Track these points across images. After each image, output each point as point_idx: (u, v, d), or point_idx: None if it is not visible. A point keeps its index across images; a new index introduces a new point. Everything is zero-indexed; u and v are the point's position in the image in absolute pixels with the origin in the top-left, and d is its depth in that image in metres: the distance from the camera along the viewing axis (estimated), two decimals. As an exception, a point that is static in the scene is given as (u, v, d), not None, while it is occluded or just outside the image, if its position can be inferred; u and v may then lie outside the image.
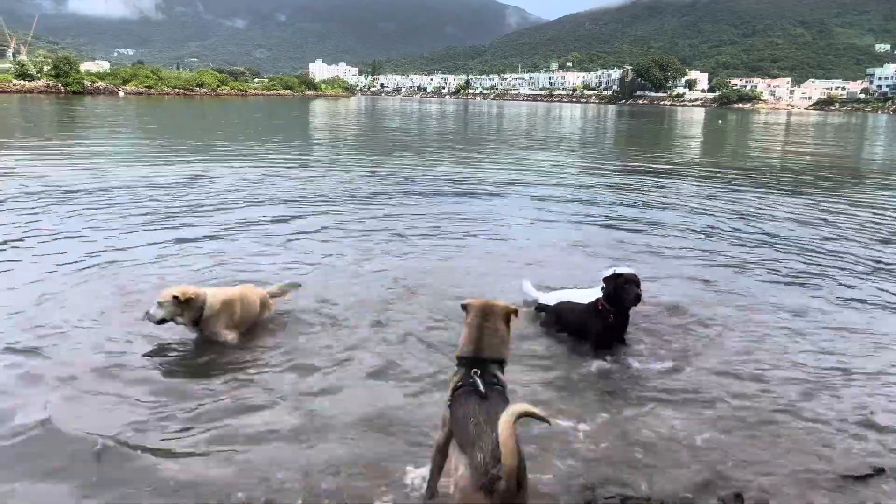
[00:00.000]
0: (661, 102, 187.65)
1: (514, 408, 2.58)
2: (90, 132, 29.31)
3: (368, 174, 15.93)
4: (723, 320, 5.96)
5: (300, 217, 10.20)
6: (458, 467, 2.74)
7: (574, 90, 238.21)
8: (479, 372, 3.06)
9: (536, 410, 2.62)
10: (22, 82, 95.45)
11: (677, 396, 4.52)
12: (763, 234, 9.98)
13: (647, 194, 13.91)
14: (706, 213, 11.63)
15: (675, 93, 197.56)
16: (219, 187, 12.91)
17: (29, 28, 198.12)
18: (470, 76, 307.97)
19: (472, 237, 9.15)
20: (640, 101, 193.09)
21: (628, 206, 12.37)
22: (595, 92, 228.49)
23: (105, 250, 7.64)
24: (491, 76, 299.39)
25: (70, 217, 9.53)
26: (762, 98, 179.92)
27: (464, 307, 3.39)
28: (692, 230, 10.14)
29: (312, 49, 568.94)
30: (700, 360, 5.09)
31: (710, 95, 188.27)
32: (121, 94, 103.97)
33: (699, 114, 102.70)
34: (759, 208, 12.37)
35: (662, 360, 5.08)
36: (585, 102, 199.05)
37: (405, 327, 5.61)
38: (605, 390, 4.56)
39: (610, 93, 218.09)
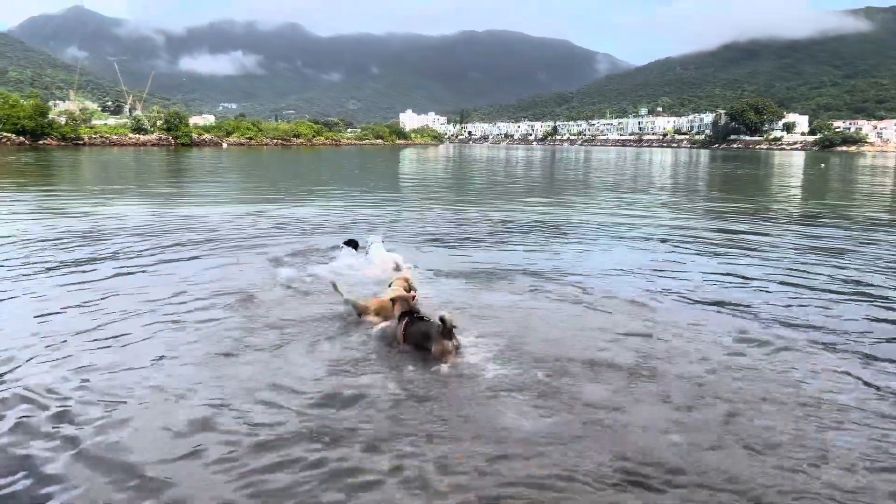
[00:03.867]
0: (757, 146, 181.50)
1: (447, 313, 5.51)
2: (193, 179, 31.32)
3: (457, 216, 16.07)
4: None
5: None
6: (432, 344, 5.55)
7: (664, 135, 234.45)
8: (416, 316, 5.94)
9: (451, 319, 5.44)
10: (137, 136, 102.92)
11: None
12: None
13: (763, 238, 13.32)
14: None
15: (771, 136, 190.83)
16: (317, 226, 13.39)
17: (145, 86, 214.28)
18: (557, 122, 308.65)
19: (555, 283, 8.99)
20: (735, 146, 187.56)
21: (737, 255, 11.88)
22: (686, 136, 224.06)
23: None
24: (579, 122, 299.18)
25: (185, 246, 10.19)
26: (868, 140, 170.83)
27: (392, 300, 6.21)
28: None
29: (402, 99, 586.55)
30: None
31: (811, 138, 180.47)
32: (224, 145, 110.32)
33: (798, 157, 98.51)
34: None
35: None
36: (676, 147, 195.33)
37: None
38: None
39: (702, 137, 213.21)
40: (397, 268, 8.66)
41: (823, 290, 8.73)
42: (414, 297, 6.32)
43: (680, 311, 7.57)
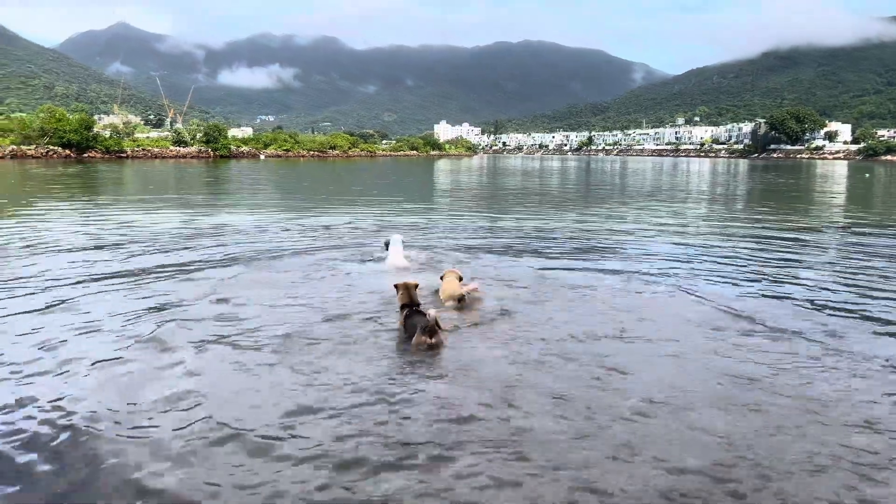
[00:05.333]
0: (798, 156, 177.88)
1: (433, 311, 6.24)
2: (234, 190, 31.91)
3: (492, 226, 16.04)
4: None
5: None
6: (414, 335, 6.26)
7: (702, 144, 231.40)
8: (415, 309, 6.64)
9: (438, 320, 6.24)
10: (178, 148, 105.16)
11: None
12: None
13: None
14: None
15: (813, 145, 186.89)
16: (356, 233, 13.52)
17: (185, 99, 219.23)
18: (592, 133, 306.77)
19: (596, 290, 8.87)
20: (775, 155, 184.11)
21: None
22: (724, 146, 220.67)
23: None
24: (614, 132, 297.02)
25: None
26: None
27: (395, 286, 7.06)
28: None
29: (437, 111, 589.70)
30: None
31: (854, 147, 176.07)
32: (261, 157, 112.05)
33: (841, 167, 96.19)
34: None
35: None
36: (714, 157, 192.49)
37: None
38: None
39: (741, 147, 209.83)
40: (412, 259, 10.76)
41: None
42: (462, 293, 7.79)
43: (736, 325, 7.39)
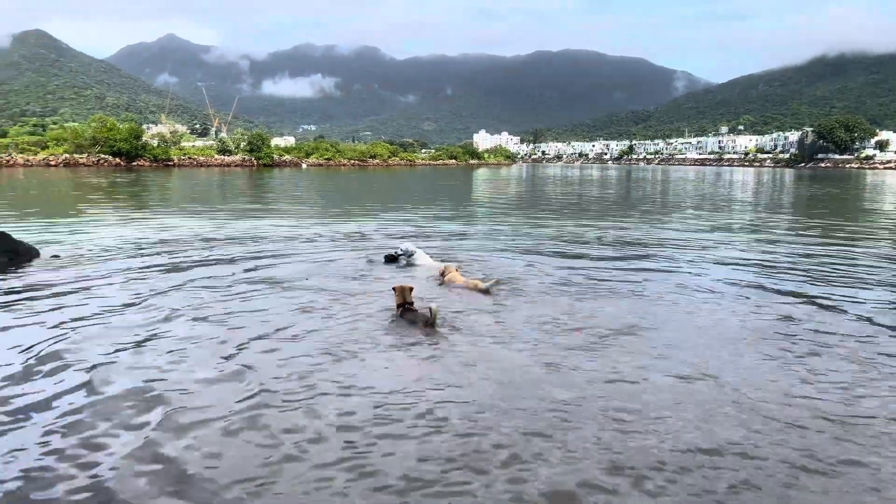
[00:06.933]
0: (847, 166, 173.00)
1: (434, 305, 7.24)
2: (276, 198, 32.58)
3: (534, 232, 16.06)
4: None
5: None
6: (417, 326, 7.23)
7: (746, 154, 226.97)
8: (407, 306, 7.60)
9: (435, 313, 7.17)
10: (222, 157, 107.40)
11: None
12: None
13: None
14: None
15: (863, 155, 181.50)
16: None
17: (230, 109, 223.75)
18: (633, 141, 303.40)
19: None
20: (823, 165, 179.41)
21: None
22: (770, 155, 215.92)
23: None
24: (656, 141, 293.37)
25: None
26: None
27: (393, 289, 7.99)
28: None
29: (476, 120, 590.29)
30: None
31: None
32: (303, 165, 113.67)
33: (893, 177, 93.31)
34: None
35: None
36: (759, 166, 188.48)
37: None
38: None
39: (787, 156, 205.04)
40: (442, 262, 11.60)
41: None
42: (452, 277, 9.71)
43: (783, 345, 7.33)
